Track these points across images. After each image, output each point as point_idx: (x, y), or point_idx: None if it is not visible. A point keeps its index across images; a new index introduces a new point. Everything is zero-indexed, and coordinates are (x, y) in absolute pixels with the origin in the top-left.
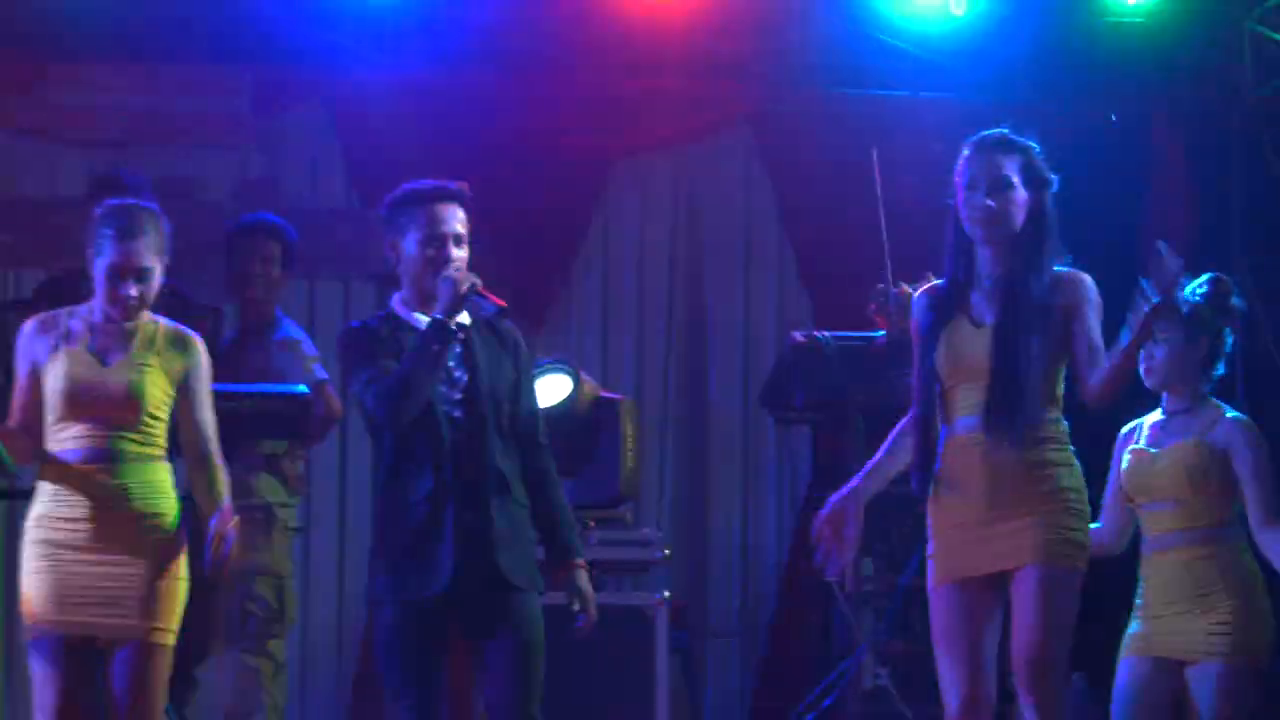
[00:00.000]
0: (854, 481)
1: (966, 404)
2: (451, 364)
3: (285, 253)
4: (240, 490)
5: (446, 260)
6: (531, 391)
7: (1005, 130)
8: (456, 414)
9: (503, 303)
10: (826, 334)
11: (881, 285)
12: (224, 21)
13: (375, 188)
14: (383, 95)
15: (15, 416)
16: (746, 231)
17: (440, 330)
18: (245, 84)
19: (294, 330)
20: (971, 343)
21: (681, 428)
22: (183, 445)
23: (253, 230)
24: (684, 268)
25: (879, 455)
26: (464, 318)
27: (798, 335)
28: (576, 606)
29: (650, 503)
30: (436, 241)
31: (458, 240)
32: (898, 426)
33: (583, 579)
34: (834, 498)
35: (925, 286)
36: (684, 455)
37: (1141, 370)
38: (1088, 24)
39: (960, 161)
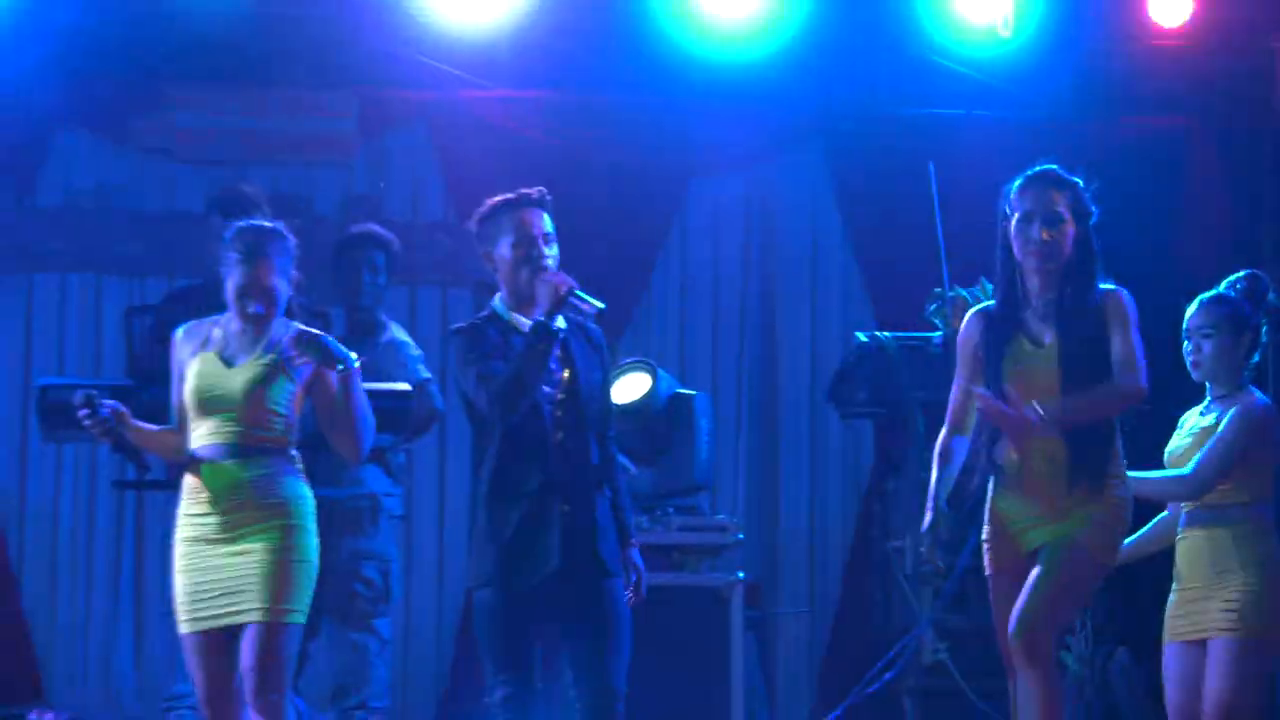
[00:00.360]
0: (934, 500)
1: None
2: (553, 365)
3: (389, 262)
4: (348, 480)
5: (540, 258)
6: (609, 389)
7: (1054, 166)
8: (559, 412)
9: (600, 304)
10: (887, 335)
11: (939, 290)
12: (331, 49)
13: (471, 201)
14: (477, 116)
15: (174, 417)
16: (813, 240)
17: (544, 332)
18: (351, 107)
19: (399, 334)
20: (1035, 362)
21: (754, 421)
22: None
23: (360, 242)
24: (756, 274)
25: (936, 473)
26: (561, 321)
27: (861, 336)
28: (634, 578)
29: (725, 491)
30: (527, 242)
31: (547, 240)
32: (941, 439)
33: (638, 557)
34: (930, 508)
35: (976, 308)
36: (756, 447)
37: (1189, 364)
38: (1127, 45)
39: (1014, 193)
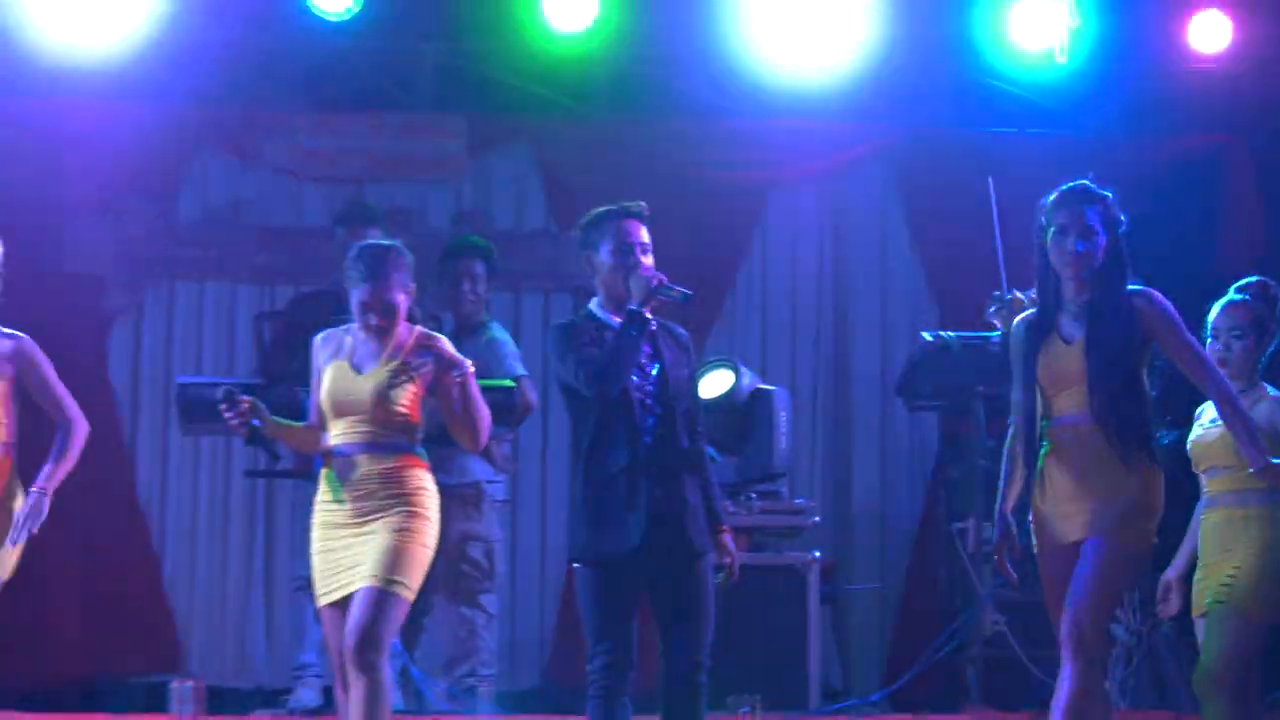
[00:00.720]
0: (1003, 508)
1: (1065, 405)
2: (644, 360)
3: (489, 269)
4: (455, 469)
5: (636, 265)
6: (696, 386)
7: (1087, 182)
8: (649, 401)
9: (688, 291)
10: (951, 334)
11: (997, 292)
12: (442, 78)
13: (570, 213)
14: (576, 136)
15: (312, 415)
16: (883, 248)
17: (637, 318)
18: (460, 129)
19: (499, 333)
20: (1065, 357)
21: (828, 414)
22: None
23: (460, 253)
24: (830, 278)
25: (1003, 480)
26: (651, 321)
27: (926, 335)
28: (726, 560)
29: (803, 477)
30: (625, 249)
31: (643, 248)
32: (1006, 449)
33: (729, 541)
34: (999, 525)
35: (1021, 316)
36: (831, 437)
37: (1216, 361)
38: (1171, 70)
39: (1049, 207)
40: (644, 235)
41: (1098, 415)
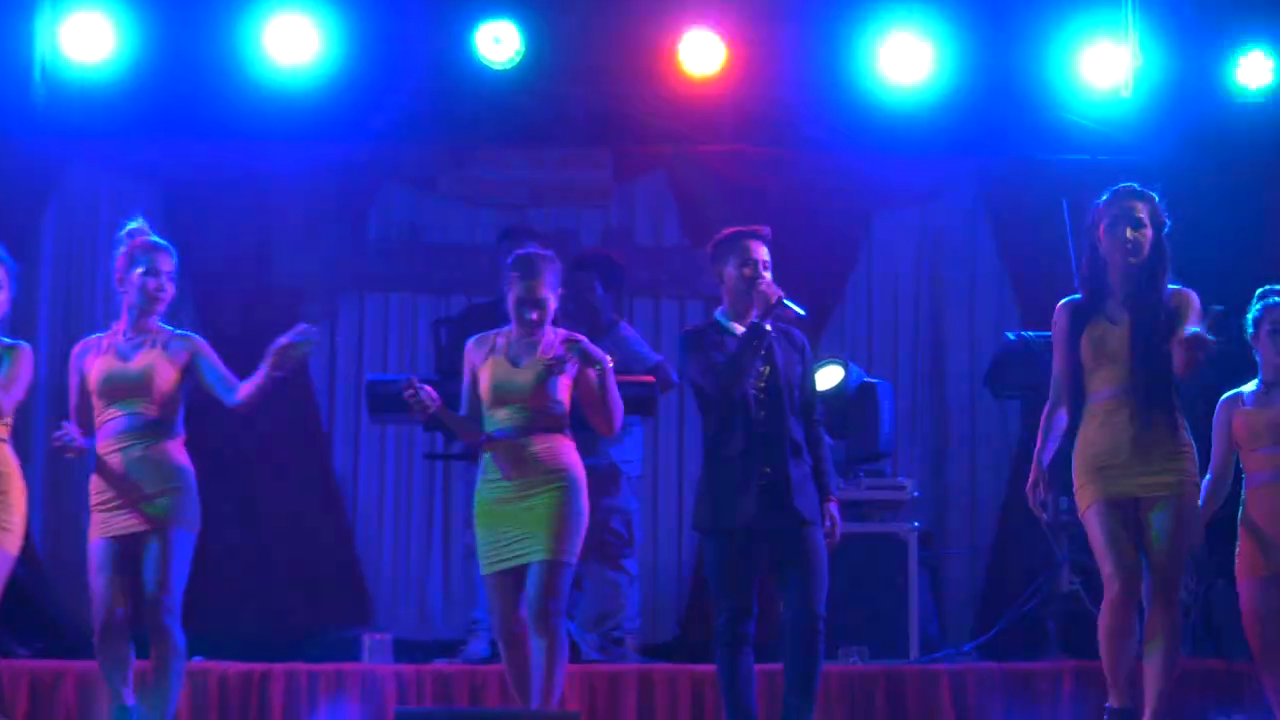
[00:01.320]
0: (1037, 461)
1: (1105, 380)
2: (758, 360)
3: (605, 278)
4: (592, 451)
5: (758, 279)
6: (812, 381)
7: (1135, 184)
8: (761, 395)
9: (801, 311)
10: (1032, 334)
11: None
12: (592, 116)
13: (702, 232)
14: (707, 165)
15: (464, 408)
16: (972, 260)
17: (758, 331)
18: (607, 160)
19: (627, 332)
20: (1111, 336)
21: (926, 403)
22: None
23: (578, 265)
24: (927, 287)
25: (1041, 440)
26: (768, 326)
27: (1011, 335)
28: (828, 525)
29: (904, 458)
30: (750, 265)
31: (765, 265)
32: (1045, 412)
33: (835, 511)
34: (1035, 470)
35: (1064, 300)
36: (928, 422)
37: (1271, 353)
38: (1221, 103)
39: (1101, 204)
40: (765, 254)
41: (1135, 390)
